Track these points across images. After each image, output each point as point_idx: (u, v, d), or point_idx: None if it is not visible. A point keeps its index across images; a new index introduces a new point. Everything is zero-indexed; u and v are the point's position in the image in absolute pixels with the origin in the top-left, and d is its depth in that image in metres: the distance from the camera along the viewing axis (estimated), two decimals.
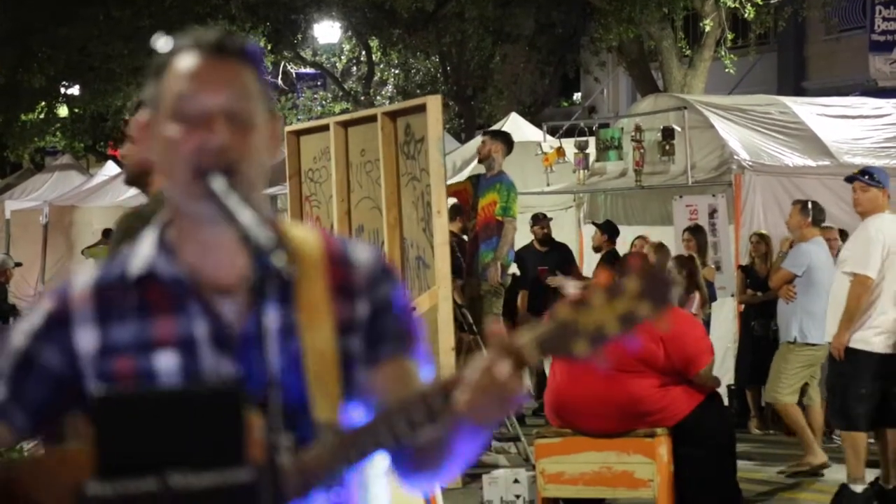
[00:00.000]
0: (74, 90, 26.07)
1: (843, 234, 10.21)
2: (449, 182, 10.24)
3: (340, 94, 25.74)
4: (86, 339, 2.07)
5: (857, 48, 21.29)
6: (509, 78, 24.97)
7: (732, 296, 11.63)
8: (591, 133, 14.23)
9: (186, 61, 2.02)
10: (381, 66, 26.21)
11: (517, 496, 7.95)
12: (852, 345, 8.00)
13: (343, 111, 22.63)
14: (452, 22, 22.38)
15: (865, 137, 12.61)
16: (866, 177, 8.16)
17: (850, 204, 8.56)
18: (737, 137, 12.11)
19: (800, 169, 11.95)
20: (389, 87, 26.87)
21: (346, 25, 23.77)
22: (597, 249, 12.86)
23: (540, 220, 13.12)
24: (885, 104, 13.42)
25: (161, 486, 1.65)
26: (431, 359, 2.15)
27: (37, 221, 22.53)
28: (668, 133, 12.53)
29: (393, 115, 9.24)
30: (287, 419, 1.92)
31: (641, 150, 12.83)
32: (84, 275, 2.13)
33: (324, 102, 27.08)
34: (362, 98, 24.25)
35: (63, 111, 26.79)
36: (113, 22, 21.51)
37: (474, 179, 10.67)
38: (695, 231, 11.48)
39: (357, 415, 2.06)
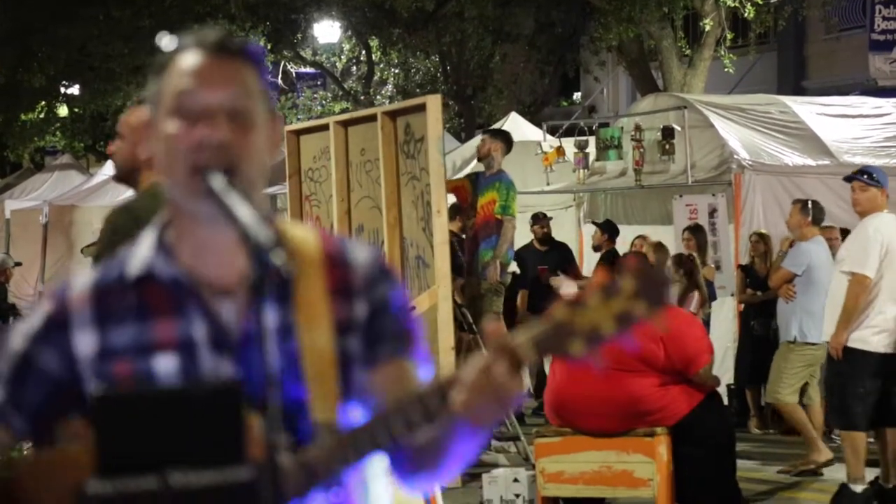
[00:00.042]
0: (74, 90, 26.08)
1: (845, 234, 10.20)
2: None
3: (340, 93, 25.74)
4: (84, 342, 2.06)
5: (857, 47, 21.29)
6: (509, 77, 24.97)
7: (732, 295, 11.64)
8: (591, 132, 14.23)
9: (188, 59, 2.03)
10: (381, 65, 26.21)
11: (517, 495, 7.95)
12: (850, 344, 8.01)
13: (343, 111, 22.63)
14: (452, 21, 22.38)
15: (865, 137, 12.61)
16: (865, 176, 8.16)
17: (850, 203, 8.56)
18: (737, 137, 12.11)
19: (800, 168, 11.95)
20: (389, 87, 26.87)
21: (346, 25, 23.77)
22: (597, 249, 12.86)
23: (540, 220, 13.12)
24: (885, 103, 13.42)
25: (161, 485, 1.66)
26: (430, 359, 2.15)
27: (37, 221, 22.52)
28: (667, 132, 12.53)
29: (393, 115, 9.24)
30: (286, 419, 1.92)
31: (641, 150, 12.83)
32: (83, 276, 2.13)
33: (324, 102, 27.08)
34: (362, 97, 24.25)
35: (63, 111, 26.80)
36: (113, 22, 21.51)
37: (473, 177, 10.67)
38: (695, 230, 11.48)
39: (356, 415, 2.06)
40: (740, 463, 8.04)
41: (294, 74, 27.41)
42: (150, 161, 4.71)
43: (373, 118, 9.32)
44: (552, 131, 15.05)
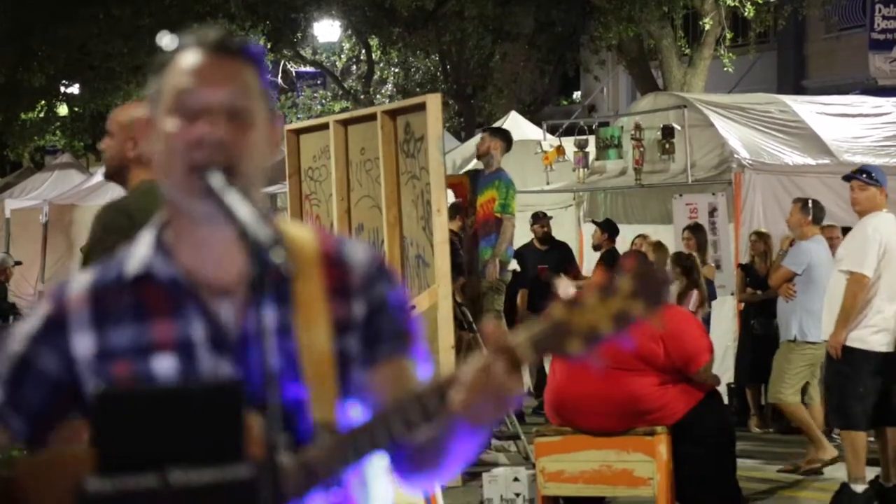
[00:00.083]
0: (74, 89, 26.07)
1: (846, 233, 10.20)
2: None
3: (340, 92, 25.74)
4: (82, 343, 2.06)
5: (857, 47, 21.29)
6: (509, 76, 24.97)
7: (732, 294, 11.64)
8: (591, 132, 14.23)
9: (188, 59, 2.03)
10: (381, 64, 26.20)
11: (517, 494, 7.95)
12: (849, 343, 8.01)
13: (343, 110, 22.63)
14: (452, 20, 22.38)
15: (865, 136, 12.61)
16: (864, 175, 8.16)
17: (849, 202, 8.57)
18: (737, 136, 12.12)
19: (800, 167, 11.95)
20: (389, 86, 26.87)
21: (346, 24, 23.76)
22: (596, 248, 12.86)
23: (540, 219, 13.12)
24: (885, 102, 13.43)
25: (161, 483, 1.66)
26: (430, 358, 2.15)
27: (37, 220, 22.51)
28: (667, 132, 12.53)
29: (393, 114, 9.24)
30: (285, 419, 1.92)
31: (641, 149, 12.83)
32: (81, 277, 2.13)
33: (323, 101, 27.07)
34: (362, 97, 24.25)
35: (63, 110, 26.78)
36: (113, 21, 21.51)
37: (472, 175, 10.67)
38: (695, 229, 11.48)
39: (355, 413, 2.06)
40: (740, 462, 8.04)
41: (294, 73, 27.41)
42: (138, 159, 4.71)
43: (373, 117, 9.32)
44: (552, 130, 15.06)
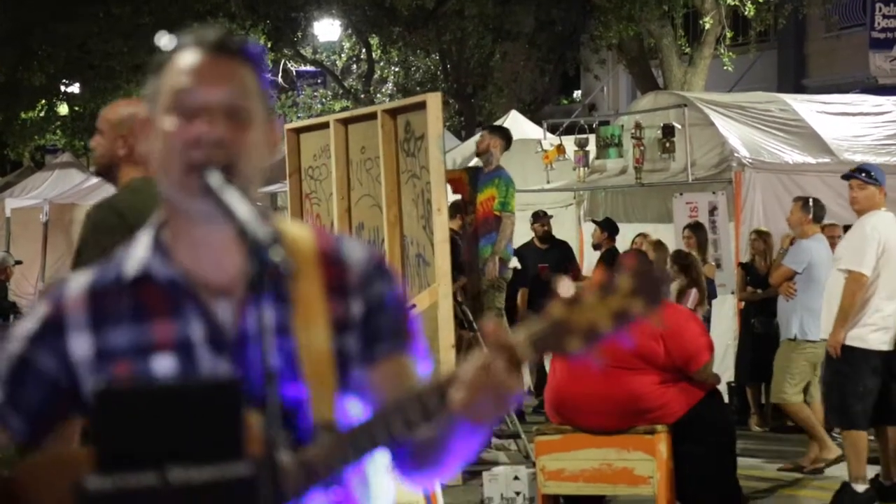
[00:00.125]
0: (74, 88, 26.06)
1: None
2: None
3: (340, 91, 25.72)
4: (80, 344, 2.07)
5: (858, 45, 21.29)
6: (509, 75, 24.95)
7: (732, 293, 11.64)
8: (592, 130, 14.24)
9: (187, 58, 2.03)
10: (381, 63, 26.18)
11: (517, 493, 7.95)
12: (848, 342, 8.00)
13: (343, 109, 22.62)
14: (452, 20, 22.37)
15: (865, 135, 12.62)
16: (863, 174, 8.17)
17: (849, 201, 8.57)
18: (737, 135, 12.12)
19: (800, 166, 11.95)
20: (389, 85, 26.85)
21: (346, 23, 23.75)
22: (596, 247, 12.86)
23: (540, 218, 13.12)
24: (886, 101, 13.43)
25: (160, 481, 1.66)
26: (429, 355, 2.15)
27: (37, 219, 22.51)
28: (668, 130, 12.53)
29: (393, 113, 9.24)
30: (284, 418, 1.92)
31: (641, 148, 12.84)
32: (79, 278, 2.13)
33: (324, 100, 27.05)
34: (362, 96, 24.23)
35: (63, 109, 26.77)
36: (113, 19, 21.50)
37: (471, 171, 10.66)
38: (695, 228, 11.48)
39: (355, 411, 2.06)
40: (741, 460, 8.04)
41: (294, 73, 27.39)
42: (129, 156, 4.70)
43: (373, 116, 9.32)
44: (552, 129, 15.06)
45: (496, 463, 9.02)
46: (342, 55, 26.61)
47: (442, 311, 8.55)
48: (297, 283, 2.02)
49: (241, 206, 1.90)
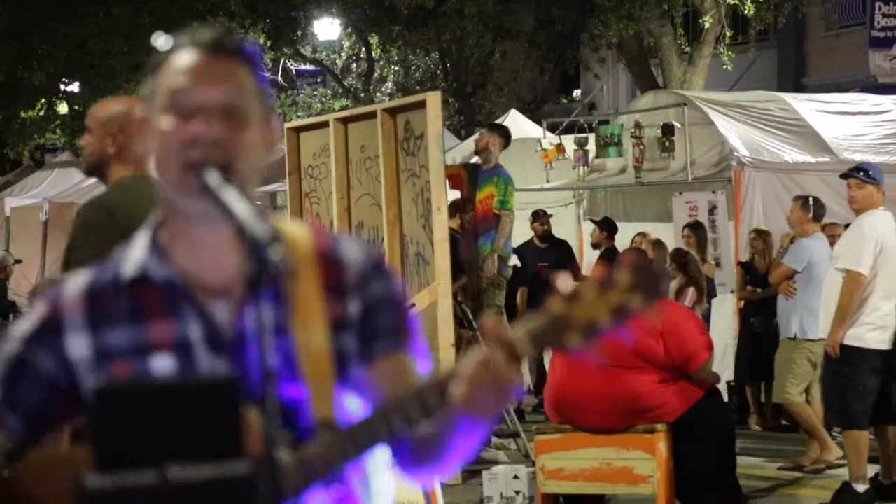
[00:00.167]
0: (74, 87, 26.06)
1: None
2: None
3: (340, 90, 25.72)
4: (78, 345, 2.07)
5: (857, 44, 21.29)
6: (509, 74, 24.95)
7: (732, 292, 11.64)
8: (591, 130, 14.24)
9: (184, 58, 2.04)
10: (381, 62, 26.18)
11: (517, 492, 7.95)
12: (847, 342, 8.00)
13: (343, 108, 22.62)
14: (452, 18, 22.37)
15: (865, 134, 12.62)
16: (861, 173, 8.17)
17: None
18: (736, 134, 12.12)
19: (799, 165, 11.95)
20: (389, 84, 26.85)
21: (346, 22, 23.75)
22: (595, 246, 12.86)
23: (540, 217, 13.12)
24: (885, 100, 13.43)
25: (159, 479, 1.66)
26: (428, 354, 2.15)
27: (37, 218, 22.51)
28: (667, 129, 12.53)
29: (393, 112, 9.24)
30: (284, 418, 1.92)
31: (641, 147, 12.84)
32: (76, 279, 2.13)
33: (323, 99, 27.05)
34: (362, 95, 24.23)
35: (63, 108, 26.77)
36: (113, 19, 21.50)
37: (470, 168, 10.64)
38: (695, 227, 11.48)
39: (354, 410, 2.06)
40: (740, 460, 8.04)
41: (294, 72, 27.39)
42: (118, 155, 4.70)
43: (373, 115, 9.32)
44: (552, 128, 15.06)
45: (496, 462, 9.02)
46: (342, 54, 26.61)
47: (441, 310, 8.56)
48: (295, 282, 2.02)
49: (239, 205, 1.90)
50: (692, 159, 12.34)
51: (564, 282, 1.84)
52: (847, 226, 10.19)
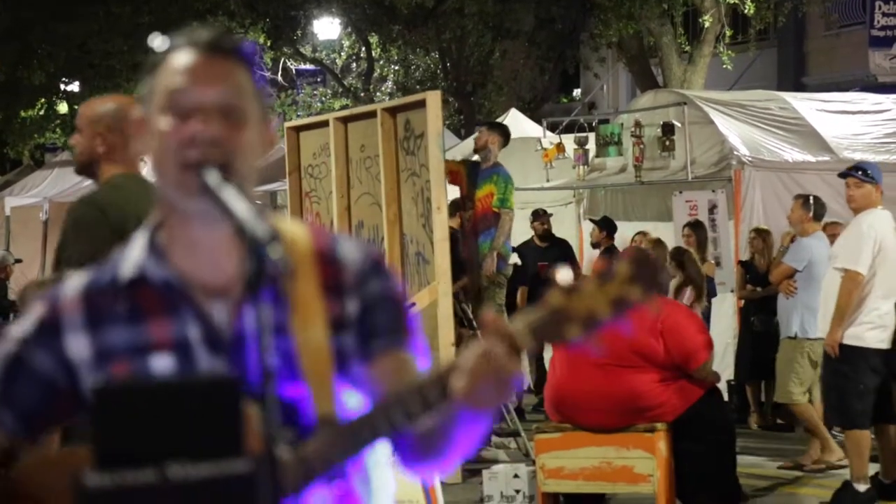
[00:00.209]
0: (74, 87, 26.06)
1: None
2: None
3: (340, 90, 25.71)
4: (77, 345, 2.08)
5: (857, 43, 21.28)
6: (509, 74, 24.94)
7: (732, 291, 11.64)
8: (591, 129, 14.24)
9: (181, 58, 2.04)
10: (381, 62, 26.17)
11: (517, 491, 7.95)
12: (846, 341, 8.00)
13: (343, 107, 22.62)
14: (452, 18, 22.36)
15: (865, 133, 12.62)
16: (859, 172, 8.17)
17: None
18: (736, 133, 12.12)
19: (799, 164, 11.96)
20: (389, 84, 26.84)
21: (346, 22, 23.75)
22: (595, 246, 12.86)
23: (540, 216, 13.13)
24: (885, 100, 13.44)
25: (159, 477, 1.66)
26: (428, 351, 2.15)
27: (37, 218, 22.51)
28: (667, 129, 12.54)
29: (392, 111, 9.24)
30: (285, 417, 1.93)
31: (641, 146, 12.84)
32: (74, 280, 2.14)
33: (323, 99, 27.03)
34: (362, 94, 24.22)
35: (63, 108, 26.76)
36: (113, 18, 21.50)
37: (469, 165, 10.63)
38: (695, 227, 11.48)
39: (354, 406, 2.07)
40: (741, 459, 8.04)
41: (294, 71, 27.37)
42: (108, 153, 4.69)
43: (372, 115, 9.32)
44: (552, 128, 15.06)
45: (496, 461, 9.02)
46: (342, 53, 26.59)
47: (441, 310, 8.56)
48: (294, 282, 2.02)
49: (239, 204, 1.90)
50: (692, 158, 12.34)
51: (563, 274, 1.85)
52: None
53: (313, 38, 24.42)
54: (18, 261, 18.75)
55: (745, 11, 19.28)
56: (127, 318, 2.06)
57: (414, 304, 8.04)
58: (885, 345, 8.03)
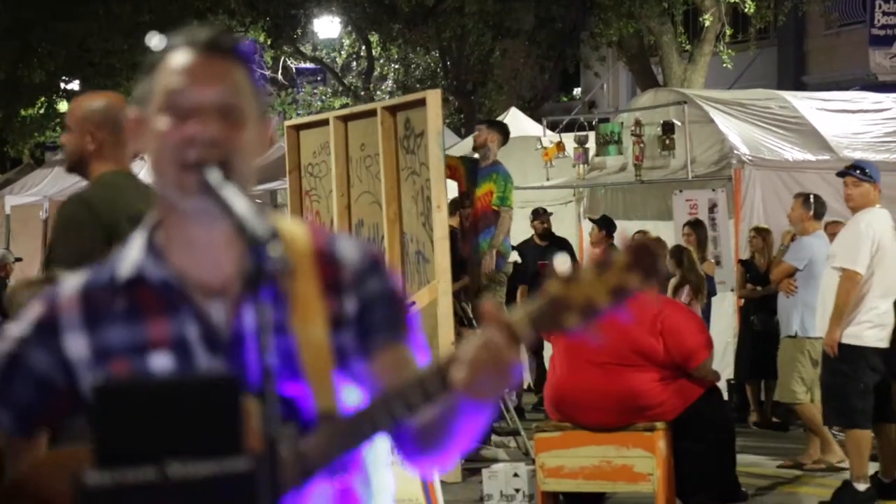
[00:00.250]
0: (74, 85, 26.05)
1: None
2: None
3: (340, 89, 25.70)
4: (76, 344, 2.08)
5: (857, 42, 21.29)
6: (509, 73, 24.93)
7: (732, 290, 11.64)
8: (591, 128, 14.24)
9: (179, 58, 2.04)
10: (381, 61, 26.17)
11: (517, 490, 7.95)
12: (845, 340, 7.99)
13: (343, 106, 22.60)
14: (452, 17, 22.35)
15: (865, 132, 12.63)
16: (858, 171, 8.17)
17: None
18: (737, 132, 12.12)
19: (799, 163, 11.96)
20: (389, 82, 26.83)
21: (346, 20, 23.74)
22: (595, 245, 12.85)
23: (540, 215, 13.13)
24: (885, 99, 13.44)
25: (159, 475, 1.66)
26: (427, 347, 2.15)
27: (37, 217, 22.51)
28: (667, 127, 12.54)
29: (393, 110, 9.25)
30: (286, 415, 1.93)
31: (641, 145, 12.84)
32: (72, 279, 2.14)
33: (323, 97, 27.03)
34: (362, 93, 24.22)
35: (63, 106, 26.74)
36: (113, 17, 21.49)
37: (468, 162, 10.63)
38: (695, 225, 11.48)
39: (354, 401, 2.07)
40: (740, 457, 8.04)
41: (294, 70, 27.37)
42: (98, 151, 4.69)
43: (373, 113, 9.33)
44: (552, 126, 15.06)
45: (496, 460, 9.02)
46: (342, 52, 26.59)
47: (441, 308, 8.56)
48: (293, 280, 2.03)
49: (239, 203, 1.90)
50: (692, 157, 12.34)
51: (562, 264, 1.85)
52: None
53: (313, 36, 24.42)
54: (18, 259, 18.76)
55: (746, 10, 19.29)
56: (125, 318, 2.07)
57: (414, 303, 8.04)
58: (884, 343, 8.03)
